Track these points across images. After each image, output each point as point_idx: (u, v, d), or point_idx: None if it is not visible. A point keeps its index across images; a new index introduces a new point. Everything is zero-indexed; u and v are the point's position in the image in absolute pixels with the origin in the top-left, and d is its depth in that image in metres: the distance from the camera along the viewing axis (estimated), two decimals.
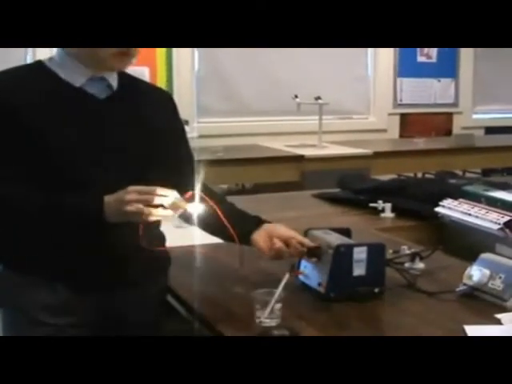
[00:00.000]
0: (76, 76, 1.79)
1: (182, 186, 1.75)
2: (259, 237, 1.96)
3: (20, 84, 1.77)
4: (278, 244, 1.93)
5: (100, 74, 1.81)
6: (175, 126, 2.04)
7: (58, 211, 1.72)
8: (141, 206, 1.64)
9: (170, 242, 2.00)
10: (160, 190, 1.66)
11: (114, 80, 1.85)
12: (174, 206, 1.67)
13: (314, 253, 1.97)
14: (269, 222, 2.02)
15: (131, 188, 1.66)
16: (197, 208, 1.73)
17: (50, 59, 1.83)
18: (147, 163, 1.86)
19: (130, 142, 1.84)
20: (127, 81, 1.90)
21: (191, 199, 1.71)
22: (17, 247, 1.82)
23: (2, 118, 1.71)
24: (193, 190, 1.75)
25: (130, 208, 1.64)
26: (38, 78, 1.79)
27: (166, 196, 1.66)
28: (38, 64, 1.84)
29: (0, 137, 1.71)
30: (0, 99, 1.73)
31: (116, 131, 1.82)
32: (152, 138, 1.88)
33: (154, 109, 1.94)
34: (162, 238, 1.98)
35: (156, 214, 1.66)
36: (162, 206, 1.66)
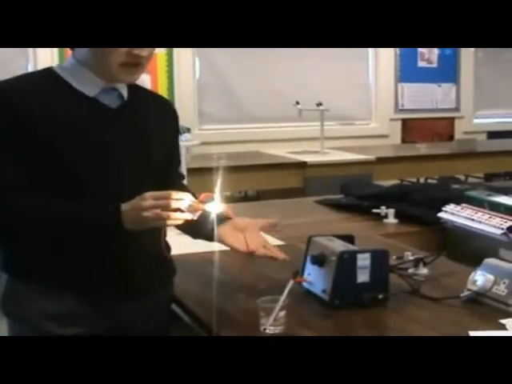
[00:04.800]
0: (89, 86, 1.79)
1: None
2: (225, 232, 1.95)
3: (33, 91, 1.76)
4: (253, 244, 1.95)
5: (112, 84, 1.81)
6: (175, 136, 2.06)
7: (74, 221, 1.72)
8: (158, 211, 1.65)
9: (173, 250, 2.00)
10: (175, 194, 1.67)
11: (124, 90, 1.86)
12: (191, 209, 1.68)
13: None
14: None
15: (147, 194, 1.66)
16: (214, 208, 1.74)
17: (61, 67, 1.83)
18: (153, 172, 1.87)
19: (139, 151, 1.85)
20: (135, 90, 1.90)
21: (204, 201, 1.72)
22: (25, 257, 1.81)
23: (17, 125, 1.70)
24: None
25: (148, 214, 1.65)
26: (50, 86, 1.79)
27: (182, 199, 1.67)
28: (49, 72, 1.83)
29: (15, 144, 1.71)
30: (15, 106, 1.71)
31: (128, 141, 1.83)
32: (159, 148, 1.91)
33: (161, 119, 1.96)
34: (168, 247, 1.98)
35: (175, 218, 1.67)
36: (179, 209, 1.66)
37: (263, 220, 2.04)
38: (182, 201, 1.66)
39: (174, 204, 1.65)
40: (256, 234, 1.99)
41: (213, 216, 1.75)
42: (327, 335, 1.79)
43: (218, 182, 1.77)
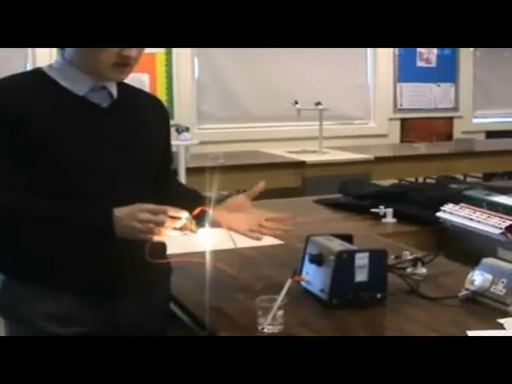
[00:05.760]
0: (78, 85, 1.79)
1: (165, 192, 1.85)
2: (221, 217, 1.95)
3: (24, 91, 1.76)
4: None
5: (101, 83, 1.82)
6: (167, 134, 2.07)
7: (65, 222, 1.72)
8: (151, 225, 1.66)
9: (170, 249, 2.00)
10: (172, 211, 1.68)
11: (113, 88, 1.86)
12: (183, 227, 1.69)
13: None
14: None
15: (145, 207, 1.67)
16: (207, 235, 1.78)
17: (50, 67, 1.83)
18: (147, 170, 1.89)
19: (133, 149, 1.85)
20: (125, 89, 1.91)
21: (199, 215, 1.75)
22: (22, 257, 1.81)
23: (8, 126, 1.70)
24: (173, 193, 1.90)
25: (140, 226, 1.66)
26: (40, 86, 1.79)
27: (178, 218, 1.68)
28: (38, 71, 1.83)
29: (8, 144, 1.71)
30: (8, 105, 1.71)
31: (119, 139, 1.83)
32: (151, 146, 1.91)
33: (151, 117, 1.96)
34: (163, 247, 1.98)
35: (164, 235, 1.68)
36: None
37: (250, 192, 2.06)
38: (176, 220, 1.68)
39: (169, 222, 1.67)
40: (250, 213, 2.02)
41: (206, 245, 1.78)
42: (325, 334, 1.79)
43: (212, 205, 1.84)
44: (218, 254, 1.87)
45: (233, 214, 1.99)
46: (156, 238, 1.69)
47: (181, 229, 1.69)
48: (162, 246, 1.97)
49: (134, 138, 1.86)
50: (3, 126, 1.70)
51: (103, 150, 1.79)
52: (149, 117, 1.94)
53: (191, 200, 1.93)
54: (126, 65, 1.78)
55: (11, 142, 1.71)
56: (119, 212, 1.68)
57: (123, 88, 1.90)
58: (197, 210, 1.75)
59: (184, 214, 1.69)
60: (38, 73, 1.83)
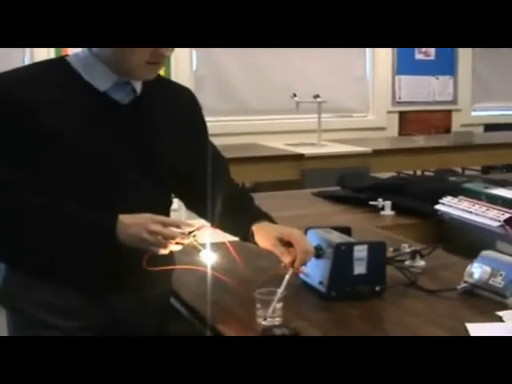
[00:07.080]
0: (101, 80, 1.74)
1: (213, 182, 1.84)
2: (261, 240, 1.93)
3: (41, 81, 1.71)
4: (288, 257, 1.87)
5: (126, 78, 1.76)
6: (199, 129, 1.99)
7: (70, 224, 1.70)
8: (161, 238, 1.66)
9: None
10: (184, 226, 1.69)
11: (138, 84, 1.79)
12: (190, 244, 1.70)
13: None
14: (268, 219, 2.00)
15: (157, 218, 1.67)
16: (209, 257, 1.78)
17: (76, 57, 1.77)
18: (165, 172, 1.85)
19: (150, 150, 1.80)
20: (151, 82, 1.81)
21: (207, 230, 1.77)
22: (25, 250, 1.79)
23: (17, 117, 1.66)
24: (220, 188, 1.87)
25: (150, 238, 1.65)
26: (58, 77, 1.73)
27: (187, 235, 1.68)
28: (61, 61, 1.77)
29: (16, 137, 1.67)
30: (15, 97, 1.67)
31: (138, 136, 1.79)
32: (172, 146, 1.85)
33: (178, 113, 1.89)
34: None
35: (170, 249, 1.69)
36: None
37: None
38: (185, 237, 1.68)
39: (179, 238, 1.67)
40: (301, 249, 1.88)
41: (208, 267, 1.80)
42: (324, 327, 1.79)
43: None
44: (217, 247, 1.87)
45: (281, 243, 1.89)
46: (161, 252, 1.69)
47: (186, 245, 1.70)
48: None
49: (152, 137, 1.81)
50: (11, 118, 1.66)
51: (116, 149, 1.74)
52: (173, 114, 1.87)
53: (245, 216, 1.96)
54: (157, 63, 1.73)
55: (19, 134, 1.67)
56: (126, 219, 1.67)
57: (149, 82, 1.81)
58: (200, 227, 1.75)
59: (192, 231, 1.70)
60: (59, 63, 1.77)
